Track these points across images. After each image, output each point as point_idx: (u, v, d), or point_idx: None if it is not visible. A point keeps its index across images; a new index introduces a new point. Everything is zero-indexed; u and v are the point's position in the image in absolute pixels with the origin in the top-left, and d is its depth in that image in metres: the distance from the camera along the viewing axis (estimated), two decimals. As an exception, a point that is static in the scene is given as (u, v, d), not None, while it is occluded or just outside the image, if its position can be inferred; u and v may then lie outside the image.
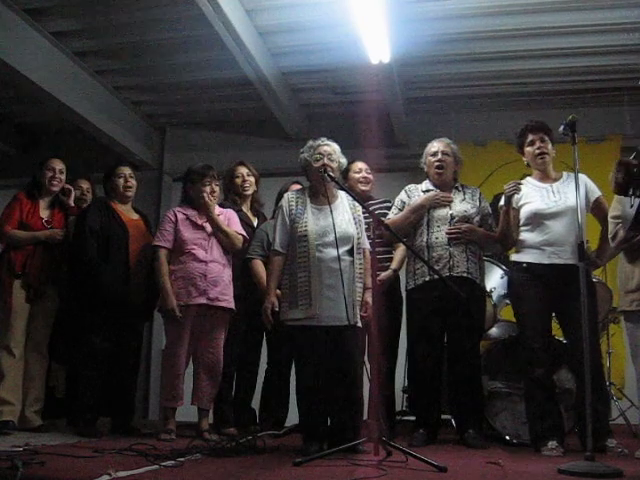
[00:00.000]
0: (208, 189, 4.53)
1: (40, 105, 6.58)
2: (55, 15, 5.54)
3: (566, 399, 4.18)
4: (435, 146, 4.43)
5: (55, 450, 3.38)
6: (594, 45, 5.83)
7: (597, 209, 4.07)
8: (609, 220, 3.91)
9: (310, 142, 3.93)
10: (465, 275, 4.17)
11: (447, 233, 4.20)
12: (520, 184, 4.07)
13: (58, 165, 4.75)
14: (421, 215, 4.30)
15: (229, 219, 4.64)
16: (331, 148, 3.88)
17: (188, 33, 5.72)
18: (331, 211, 3.72)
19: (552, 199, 4.02)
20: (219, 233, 4.49)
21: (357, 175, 4.76)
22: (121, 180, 4.72)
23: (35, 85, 5.65)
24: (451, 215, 4.26)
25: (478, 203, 4.37)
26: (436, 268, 4.13)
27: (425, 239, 4.24)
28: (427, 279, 4.18)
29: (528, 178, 4.21)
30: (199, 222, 4.52)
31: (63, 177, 4.78)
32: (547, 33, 5.67)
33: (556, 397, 3.99)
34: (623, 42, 5.72)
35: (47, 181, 4.70)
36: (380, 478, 2.77)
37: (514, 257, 4.15)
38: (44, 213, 4.70)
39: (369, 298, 3.74)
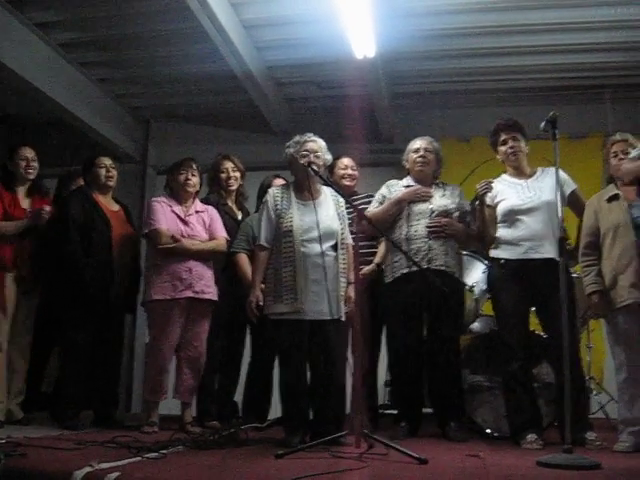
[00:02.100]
0: (182, 177, 4.54)
1: (23, 97, 6.50)
2: (39, 6, 5.48)
3: (546, 393, 4.23)
4: (418, 143, 4.49)
5: (37, 442, 3.37)
6: (578, 42, 5.85)
7: (573, 203, 4.12)
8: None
9: (297, 137, 3.95)
10: (443, 268, 4.20)
11: (427, 226, 4.24)
12: (491, 182, 4.15)
13: (30, 153, 4.65)
14: (401, 208, 4.34)
15: (211, 218, 4.66)
16: (317, 145, 3.91)
17: (173, 26, 5.69)
18: (315, 207, 3.75)
19: (527, 195, 4.09)
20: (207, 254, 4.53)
21: (342, 172, 4.86)
22: (103, 170, 4.66)
23: (18, 76, 5.58)
24: (431, 209, 4.30)
25: (457, 199, 4.42)
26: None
27: (404, 232, 4.27)
28: (405, 271, 4.21)
29: (503, 175, 4.29)
30: (183, 216, 4.53)
31: (37, 164, 4.68)
32: (532, 30, 5.70)
33: (534, 391, 4.05)
34: (606, 40, 5.76)
35: (23, 170, 4.60)
36: (361, 470, 2.79)
37: (492, 253, 4.20)
38: (24, 203, 4.62)
39: (352, 292, 3.76)
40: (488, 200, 4.15)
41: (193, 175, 4.59)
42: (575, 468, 2.85)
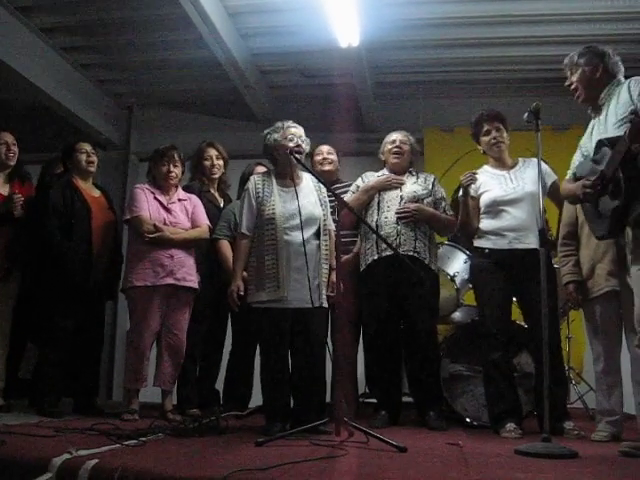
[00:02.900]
0: (165, 169, 4.52)
1: (4, 81, 6.44)
2: (21, -10, 5.44)
3: (526, 382, 4.27)
4: (393, 136, 4.57)
5: (16, 429, 3.35)
6: (562, 34, 5.85)
7: (554, 193, 4.14)
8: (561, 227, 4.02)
9: (278, 123, 3.93)
10: (411, 254, 4.21)
11: (396, 213, 4.27)
12: (475, 174, 4.17)
13: (9, 138, 4.57)
14: (371, 196, 4.40)
15: (194, 206, 4.65)
16: (299, 131, 3.90)
17: (157, 12, 5.65)
18: (297, 193, 3.74)
19: (510, 186, 4.12)
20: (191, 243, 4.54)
21: (318, 157, 4.95)
22: (83, 156, 4.62)
23: (-1, 61, 5.55)
24: (401, 196, 4.34)
25: (431, 186, 4.45)
26: (383, 247, 4.19)
27: (375, 219, 4.31)
28: (375, 257, 4.26)
29: (485, 166, 4.32)
30: (166, 204, 4.51)
31: (17, 149, 4.60)
32: (516, 21, 5.71)
33: (514, 380, 4.08)
34: (591, 32, 5.75)
35: (3, 156, 4.53)
36: (341, 458, 2.79)
37: (476, 243, 4.22)
38: (3, 188, 4.54)
39: (334, 278, 3.75)
40: (472, 192, 4.17)
41: (175, 166, 4.57)
42: (553, 457, 2.87)
